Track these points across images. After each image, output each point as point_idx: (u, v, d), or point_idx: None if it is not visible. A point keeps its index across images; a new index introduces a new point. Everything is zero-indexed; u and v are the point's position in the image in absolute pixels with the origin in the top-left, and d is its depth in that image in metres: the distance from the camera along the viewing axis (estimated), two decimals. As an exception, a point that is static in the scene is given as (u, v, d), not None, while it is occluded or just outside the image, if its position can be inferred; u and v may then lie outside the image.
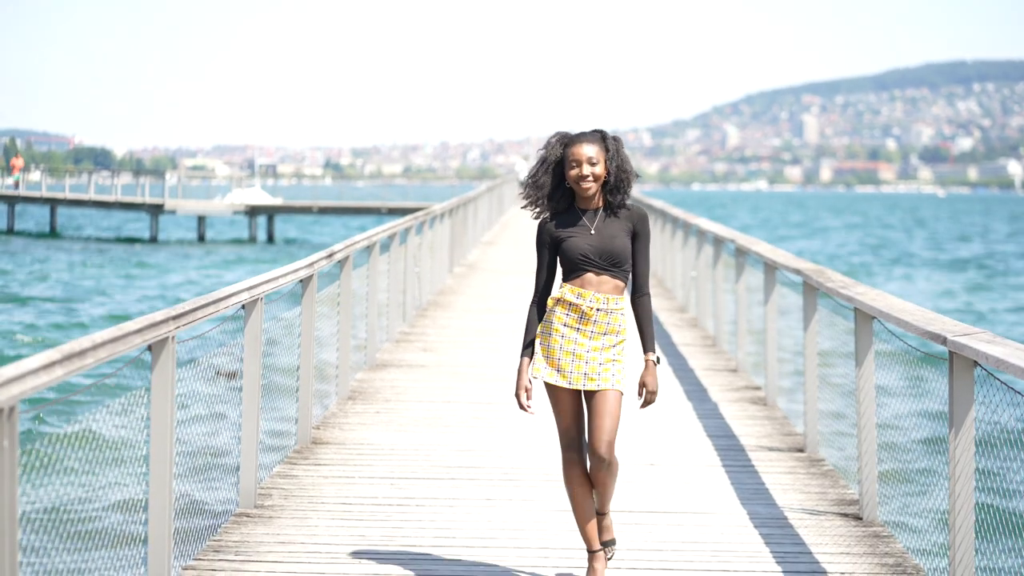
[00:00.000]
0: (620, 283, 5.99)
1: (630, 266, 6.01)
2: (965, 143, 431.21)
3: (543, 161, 6.00)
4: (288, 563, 6.55)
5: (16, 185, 69.14)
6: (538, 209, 6.04)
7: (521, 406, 5.98)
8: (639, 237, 6.02)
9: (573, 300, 5.92)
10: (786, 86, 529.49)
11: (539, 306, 6.04)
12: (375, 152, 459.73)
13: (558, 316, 5.95)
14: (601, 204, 6.02)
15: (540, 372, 5.95)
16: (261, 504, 7.69)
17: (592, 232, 5.95)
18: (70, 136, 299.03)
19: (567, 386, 5.94)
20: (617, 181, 5.96)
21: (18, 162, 73.12)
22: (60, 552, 5.25)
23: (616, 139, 6.03)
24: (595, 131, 6.03)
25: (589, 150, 5.96)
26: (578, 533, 6.66)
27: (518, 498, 7.95)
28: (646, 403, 6.02)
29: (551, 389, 5.99)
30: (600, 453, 5.95)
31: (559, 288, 5.99)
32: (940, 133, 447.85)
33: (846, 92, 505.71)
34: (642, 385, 6.00)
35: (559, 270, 6.05)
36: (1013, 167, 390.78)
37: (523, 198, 6.07)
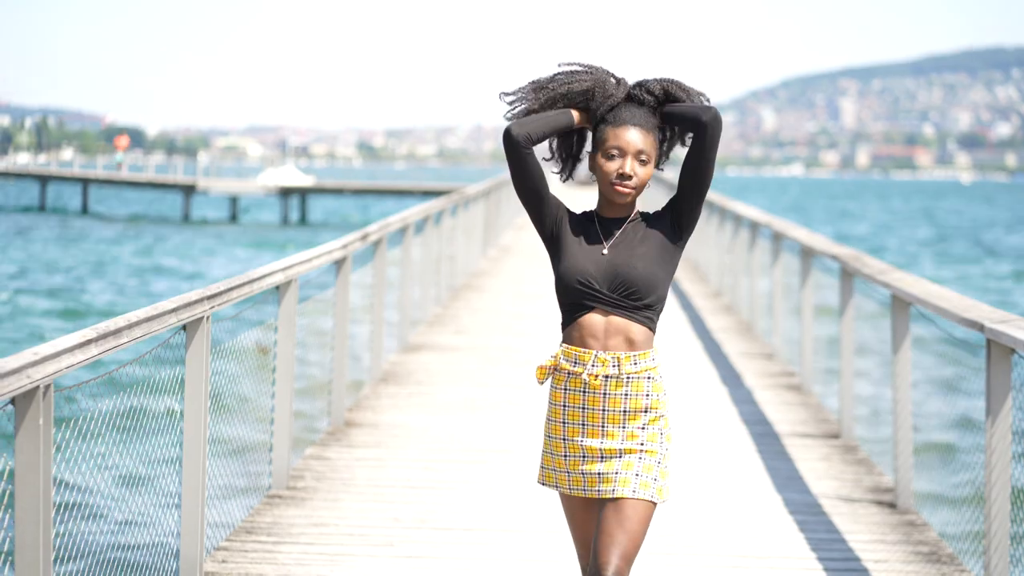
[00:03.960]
0: (643, 328, 4.17)
1: (660, 300, 4.18)
2: (1003, 129, 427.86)
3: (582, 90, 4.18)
4: (320, 545, 6.55)
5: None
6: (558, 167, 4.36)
7: (578, 121, 4.23)
8: (691, 150, 4.18)
9: (571, 368, 4.19)
10: (823, 71, 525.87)
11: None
12: (409, 133, 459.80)
13: (556, 394, 4.22)
14: (631, 213, 4.24)
15: (548, 479, 4.28)
16: (293, 486, 7.69)
17: (605, 251, 4.17)
18: (103, 115, 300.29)
19: (581, 494, 4.22)
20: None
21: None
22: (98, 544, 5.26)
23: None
24: (649, 114, 4.19)
25: (639, 139, 4.14)
26: None
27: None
28: None
29: (564, 497, 4.30)
30: None
31: (552, 353, 4.29)
32: (978, 119, 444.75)
33: (883, 77, 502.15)
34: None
35: (557, 309, 4.38)
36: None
37: (510, 101, 4.26)
